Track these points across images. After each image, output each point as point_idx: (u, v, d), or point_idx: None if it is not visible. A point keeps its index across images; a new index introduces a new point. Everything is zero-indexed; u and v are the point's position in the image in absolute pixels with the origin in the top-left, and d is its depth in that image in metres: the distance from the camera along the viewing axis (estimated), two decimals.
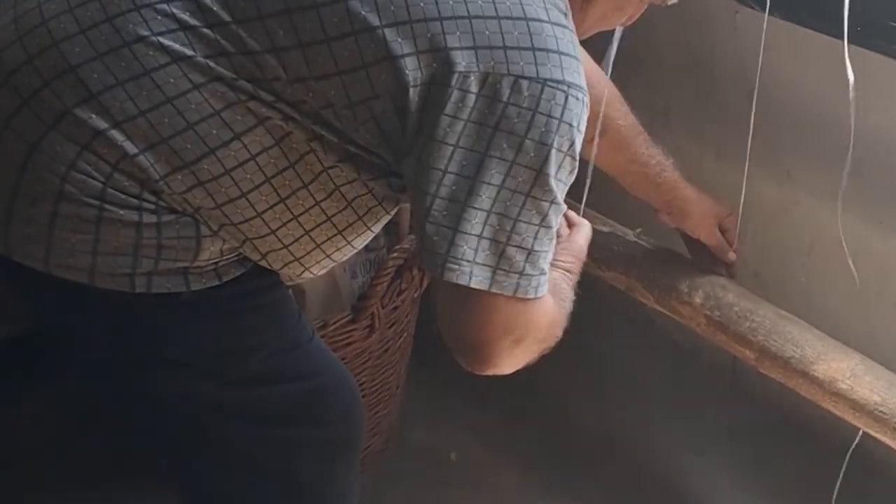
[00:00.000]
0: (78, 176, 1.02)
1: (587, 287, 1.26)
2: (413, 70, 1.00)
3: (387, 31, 1.00)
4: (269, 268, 1.13)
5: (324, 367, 1.23)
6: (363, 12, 1.00)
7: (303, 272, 1.17)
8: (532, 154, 1.00)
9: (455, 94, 1.00)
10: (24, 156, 1.03)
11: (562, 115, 1.01)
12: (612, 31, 1.32)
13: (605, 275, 1.60)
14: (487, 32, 1.00)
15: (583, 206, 1.49)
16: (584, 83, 1.04)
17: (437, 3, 1.00)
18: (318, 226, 1.12)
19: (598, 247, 1.50)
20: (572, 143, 1.03)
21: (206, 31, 1.02)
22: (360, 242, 1.18)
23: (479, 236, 1.02)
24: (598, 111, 1.36)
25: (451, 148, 1.01)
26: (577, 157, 1.04)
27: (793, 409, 1.62)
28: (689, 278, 1.53)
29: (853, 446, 1.42)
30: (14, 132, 1.04)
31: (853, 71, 1.29)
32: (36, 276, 1.06)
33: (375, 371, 1.73)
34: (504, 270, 1.03)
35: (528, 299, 1.05)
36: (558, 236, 1.26)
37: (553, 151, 1.01)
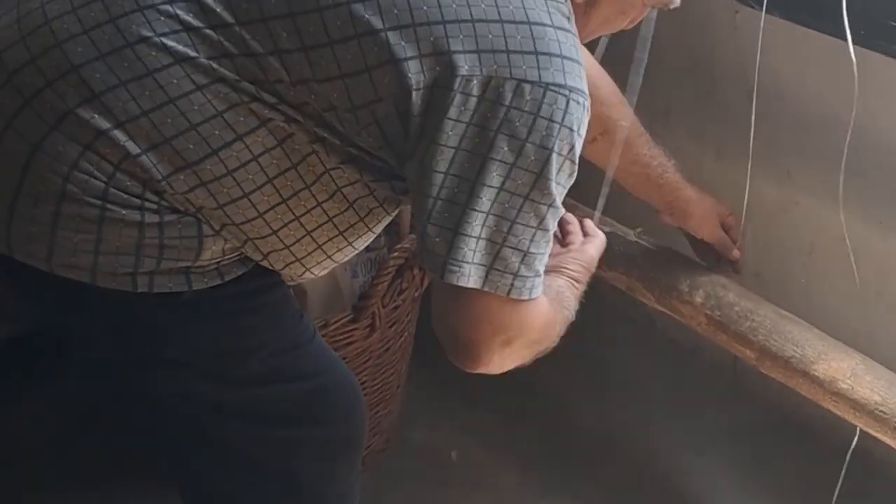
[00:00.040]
0: (80, 176, 1.02)
1: (588, 287, 1.27)
2: (416, 73, 1.00)
3: (390, 34, 1.00)
4: (271, 268, 1.13)
5: (325, 367, 1.23)
6: (366, 15, 1.00)
7: (304, 272, 1.17)
8: (533, 157, 1.01)
9: (457, 98, 1.00)
10: (27, 156, 1.03)
11: (563, 119, 1.01)
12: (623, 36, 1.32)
13: (605, 275, 1.60)
14: (490, 36, 1.01)
15: (598, 213, 1.49)
16: (585, 87, 1.04)
17: (440, 6, 1.01)
18: (320, 226, 1.12)
19: None
20: (572, 147, 1.03)
21: (209, 32, 1.02)
22: (362, 243, 1.18)
23: (478, 237, 1.03)
24: (602, 112, 1.36)
25: (453, 151, 1.01)
26: (577, 161, 1.05)
27: (793, 408, 1.62)
28: (690, 278, 1.53)
29: (852, 447, 1.42)
30: (16, 132, 1.03)
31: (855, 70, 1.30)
32: (37, 276, 1.06)
33: (376, 370, 1.73)
34: (499, 270, 1.04)
35: (522, 300, 1.06)
36: (570, 244, 1.28)
37: (553, 155, 1.02)
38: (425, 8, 1.01)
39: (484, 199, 1.02)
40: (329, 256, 1.16)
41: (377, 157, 1.07)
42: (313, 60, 1.02)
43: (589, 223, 1.31)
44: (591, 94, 1.06)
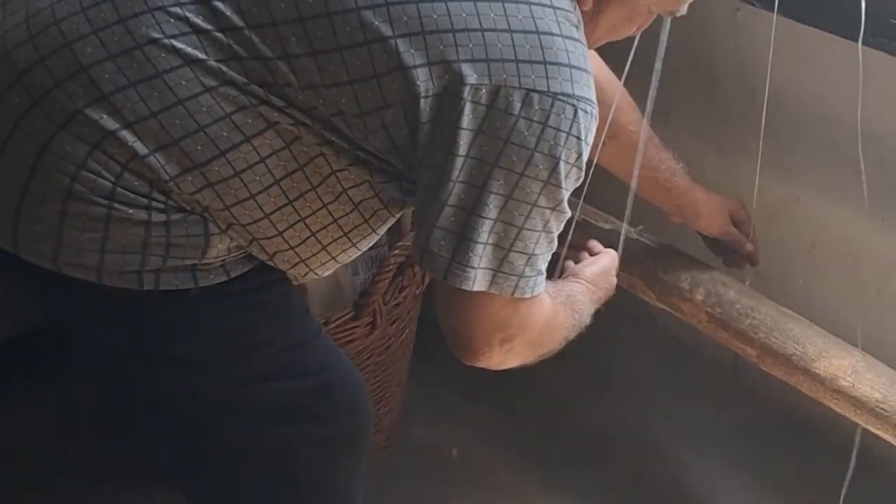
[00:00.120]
0: (88, 175, 1.02)
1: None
2: (424, 81, 1.01)
3: (399, 41, 1.01)
4: (277, 268, 1.14)
5: (331, 364, 1.23)
6: (376, 22, 1.01)
7: (308, 273, 1.17)
8: (541, 166, 1.02)
9: (467, 107, 1.01)
10: (35, 156, 1.03)
11: (570, 128, 1.02)
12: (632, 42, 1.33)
13: None
14: (500, 45, 1.01)
15: (625, 225, 1.49)
16: (593, 95, 1.06)
17: (450, 15, 1.01)
18: (325, 227, 1.12)
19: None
20: (580, 155, 1.05)
21: (218, 35, 1.02)
22: (365, 245, 1.19)
23: (485, 243, 1.04)
24: (608, 115, 1.37)
25: (462, 159, 1.02)
26: (584, 167, 1.07)
27: (794, 406, 1.63)
28: (691, 275, 1.53)
29: (855, 447, 1.43)
30: (24, 132, 1.03)
31: (855, 68, 1.30)
32: (43, 275, 1.06)
33: (377, 368, 1.73)
34: (505, 273, 1.06)
35: (524, 299, 1.08)
36: (590, 252, 1.32)
37: (561, 164, 1.03)
38: (435, 16, 1.01)
39: (491, 206, 1.03)
40: (333, 258, 1.17)
41: (385, 162, 1.07)
42: (322, 65, 1.02)
43: (594, 243, 1.35)
44: (599, 99, 1.08)
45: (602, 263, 1.32)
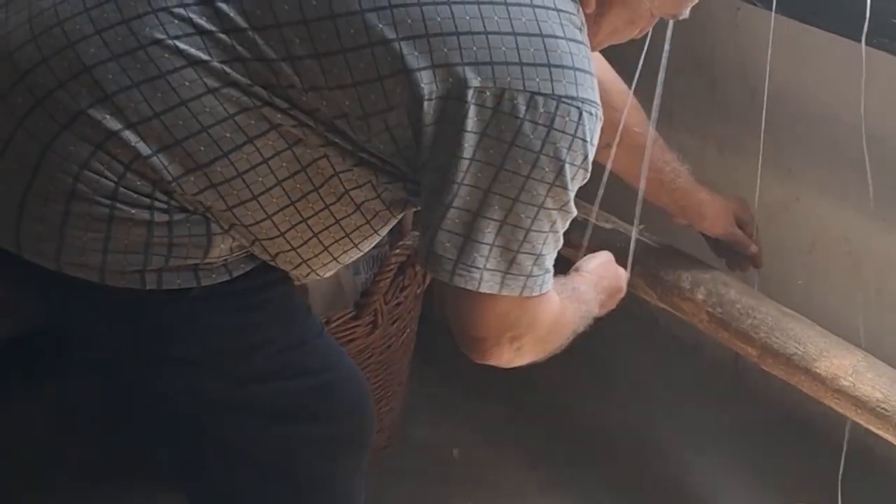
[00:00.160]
0: (90, 175, 1.02)
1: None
2: (428, 84, 1.01)
3: (403, 44, 1.01)
4: (278, 268, 1.14)
5: (332, 363, 1.23)
6: (380, 25, 1.01)
7: (309, 273, 1.17)
8: (547, 169, 1.03)
9: (472, 110, 1.01)
10: (38, 156, 1.03)
11: (575, 130, 1.03)
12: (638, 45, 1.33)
13: None
14: (504, 48, 1.01)
15: (635, 228, 1.49)
16: (597, 98, 1.06)
17: (453, 18, 1.01)
18: (327, 228, 1.12)
19: (601, 244, 1.50)
20: (585, 157, 1.05)
21: (222, 36, 1.02)
22: (367, 246, 1.19)
23: (492, 245, 1.05)
24: (616, 118, 1.37)
25: (468, 161, 1.02)
26: (590, 169, 1.07)
27: (795, 405, 1.63)
28: (692, 275, 1.53)
29: (845, 443, 1.43)
30: (27, 132, 1.03)
31: (856, 68, 1.30)
32: (43, 275, 1.06)
33: (378, 368, 1.73)
34: (514, 275, 1.06)
35: (533, 297, 1.09)
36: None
37: (567, 166, 1.04)
38: (439, 19, 1.01)
39: (497, 208, 1.03)
40: (335, 258, 1.17)
41: (388, 163, 1.08)
42: (326, 67, 1.02)
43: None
44: (604, 100, 1.08)
45: (600, 257, 1.33)
